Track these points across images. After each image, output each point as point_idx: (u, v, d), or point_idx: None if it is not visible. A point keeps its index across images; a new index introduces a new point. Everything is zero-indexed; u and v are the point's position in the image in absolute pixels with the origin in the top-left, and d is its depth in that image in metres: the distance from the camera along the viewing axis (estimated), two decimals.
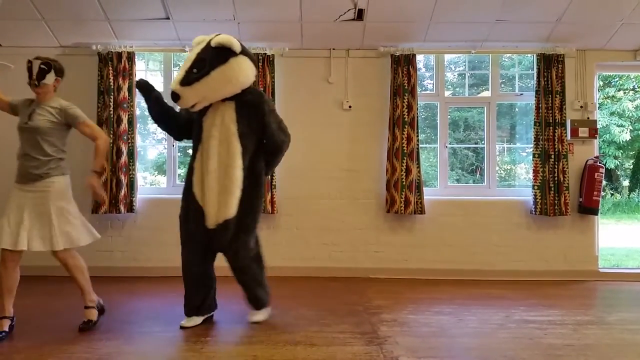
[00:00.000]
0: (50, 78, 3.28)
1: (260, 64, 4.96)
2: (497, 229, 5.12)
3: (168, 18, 4.84)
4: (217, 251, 3.44)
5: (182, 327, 3.38)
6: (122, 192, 4.92)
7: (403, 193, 4.94)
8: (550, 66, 5.02)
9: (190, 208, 3.36)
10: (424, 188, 5.05)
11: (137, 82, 3.56)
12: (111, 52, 4.98)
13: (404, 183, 4.95)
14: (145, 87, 3.50)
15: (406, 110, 4.99)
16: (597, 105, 5.31)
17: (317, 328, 3.38)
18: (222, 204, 3.26)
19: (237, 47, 3.25)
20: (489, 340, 3.20)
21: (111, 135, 4.89)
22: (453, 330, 3.42)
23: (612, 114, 12.81)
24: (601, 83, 12.28)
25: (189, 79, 3.19)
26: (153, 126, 5.86)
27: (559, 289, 4.68)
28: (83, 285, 3.34)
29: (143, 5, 4.70)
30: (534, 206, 5.03)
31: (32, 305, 3.87)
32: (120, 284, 4.65)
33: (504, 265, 5.08)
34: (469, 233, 5.12)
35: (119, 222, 5.09)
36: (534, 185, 5.03)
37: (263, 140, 3.41)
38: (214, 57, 3.21)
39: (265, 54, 4.98)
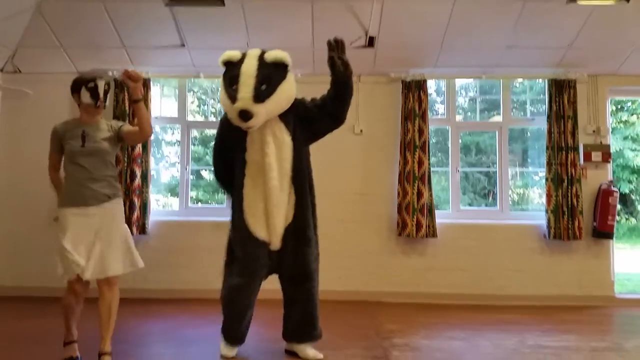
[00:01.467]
0: (107, 98, 3.21)
1: None
2: (511, 253, 5.07)
3: (183, 45, 4.95)
4: (280, 268, 3.29)
5: (224, 358, 3.23)
6: (135, 215, 4.98)
7: (415, 216, 4.93)
8: (562, 91, 5.03)
9: (245, 237, 3.23)
10: (435, 211, 5.04)
11: None
12: None
13: (416, 206, 4.94)
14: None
15: (417, 134, 5.01)
16: (610, 130, 5.29)
17: (328, 352, 3.35)
18: (291, 217, 3.28)
19: (290, 63, 3.22)
20: None
21: (125, 159, 4.98)
22: (466, 355, 3.37)
23: (625, 138, 12.73)
24: (614, 107, 12.23)
25: (261, 96, 3.06)
26: (167, 149, 5.95)
27: (573, 314, 4.61)
28: (112, 325, 3.13)
29: (159, 32, 4.83)
30: (547, 230, 4.99)
31: (49, 326, 3.89)
32: (132, 306, 4.65)
33: (518, 290, 5.02)
34: (482, 257, 5.08)
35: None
36: (547, 210, 5.00)
37: (311, 135, 3.40)
38: (275, 72, 3.14)
39: None
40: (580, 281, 5.02)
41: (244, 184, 3.24)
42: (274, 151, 3.22)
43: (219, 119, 3.55)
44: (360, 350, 3.40)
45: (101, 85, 3.10)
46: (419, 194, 4.96)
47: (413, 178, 4.97)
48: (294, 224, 3.26)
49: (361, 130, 5.22)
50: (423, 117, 5.04)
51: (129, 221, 4.92)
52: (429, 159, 5.02)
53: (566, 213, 4.93)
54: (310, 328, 3.26)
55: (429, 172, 5.02)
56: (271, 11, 4.61)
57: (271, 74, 3.12)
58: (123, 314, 4.10)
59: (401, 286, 5.06)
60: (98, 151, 3.06)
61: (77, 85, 3.10)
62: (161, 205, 5.74)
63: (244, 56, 3.21)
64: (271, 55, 3.16)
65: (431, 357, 3.32)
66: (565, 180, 4.97)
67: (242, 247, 3.26)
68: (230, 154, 3.37)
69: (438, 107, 6.05)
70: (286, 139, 3.24)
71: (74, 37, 4.91)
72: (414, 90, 5.06)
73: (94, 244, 2.97)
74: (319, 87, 5.20)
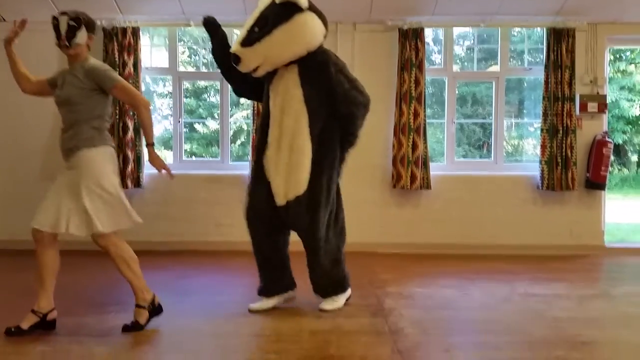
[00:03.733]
0: (81, 36, 2.79)
1: None
2: (504, 204, 5.11)
3: None
4: (291, 229, 3.21)
5: (250, 311, 3.17)
6: (129, 168, 4.95)
7: (409, 168, 4.93)
8: (560, 40, 4.94)
9: (259, 183, 3.14)
10: (430, 164, 5.04)
11: (204, 18, 3.26)
12: (116, 27, 4.95)
13: (411, 159, 4.93)
14: (212, 24, 3.24)
15: (414, 85, 4.94)
16: (607, 80, 5.23)
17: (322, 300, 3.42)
18: (293, 178, 3.01)
19: (304, 2, 2.91)
20: (493, 313, 3.23)
21: (117, 111, 4.89)
22: (458, 303, 3.45)
23: (622, 88, 12.63)
24: (612, 57, 12.07)
25: (250, 39, 2.89)
26: (159, 102, 5.86)
27: (564, 263, 4.69)
28: (130, 279, 2.91)
29: None
30: (540, 181, 5.02)
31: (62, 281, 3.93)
32: None
33: (510, 240, 5.10)
34: (475, 208, 5.12)
35: (127, 197, 5.11)
36: (541, 161, 5.01)
37: (334, 104, 3.04)
38: (277, 13, 2.88)
39: None
40: (571, 231, 5.10)
41: (269, 125, 3.08)
42: (279, 103, 3.03)
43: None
44: (354, 299, 3.46)
45: (63, 21, 2.75)
46: (414, 146, 4.94)
47: (408, 130, 4.93)
48: (297, 186, 3.03)
49: None
50: (420, 67, 4.95)
51: (122, 174, 4.90)
52: (424, 111, 4.97)
53: (560, 164, 4.95)
54: (327, 287, 3.23)
55: (425, 124, 4.98)
56: None
57: (270, 15, 2.89)
58: None
59: (395, 237, 5.12)
60: (65, 100, 2.82)
61: None
62: None
63: None
64: None
65: (423, 304, 3.40)
66: (561, 131, 4.95)
67: (252, 192, 3.21)
68: (261, 86, 3.19)
69: (435, 57, 5.94)
70: (295, 93, 3.00)
71: None
72: (411, 39, 4.95)
73: (62, 198, 2.76)
74: (375, 36, 5.08)
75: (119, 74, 4.87)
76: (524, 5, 4.91)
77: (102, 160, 2.81)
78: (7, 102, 5.11)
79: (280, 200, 3.04)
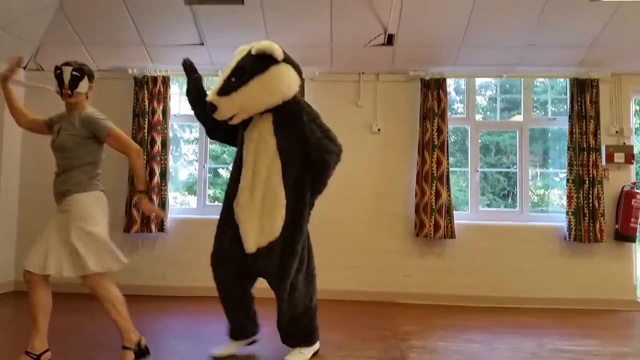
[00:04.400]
0: (83, 86, 2.99)
1: None
2: (530, 255, 5.00)
3: (202, 44, 4.97)
4: (259, 276, 3.18)
5: (214, 357, 3.18)
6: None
7: (432, 217, 4.89)
8: (584, 90, 4.94)
9: (227, 227, 3.12)
10: (454, 212, 4.99)
11: (183, 60, 3.35)
12: (147, 76, 5.14)
13: (434, 207, 4.90)
14: (190, 67, 3.34)
15: (436, 133, 4.96)
16: (634, 130, 5.18)
17: (345, 352, 3.34)
18: (266, 225, 3.00)
19: (279, 55, 3.00)
20: None
21: (145, 157, 5.01)
22: (484, 358, 3.33)
23: None
24: (638, 107, 11.97)
25: (226, 89, 2.96)
26: (185, 147, 5.97)
27: (594, 318, 4.52)
28: (117, 320, 2.96)
29: (178, 31, 4.86)
30: (568, 232, 4.91)
31: (69, 323, 3.94)
32: (149, 303, 4.70)
33: (537, 293, 4.95)
34: (501, 259, 5.01)
35: (150, 241, 5.17)
36: (568, 211, 4.91)
37: (307, 152, 3.07)
38: (253, 65, 2.97)
39: None
40: (601, 284, 4.93)
41: (241, 171, 3.10)
42: (253, 150, 3.07)
43: None
44: (377, 351, 3.37)
45: (67, 71, 2.95)
46: (437, 194, 4.91)
47: (431, 178, 4.92)
48: (271, 232, 3.02)
49: (379, 129, 5.18)
50: (442, 116, 4.99)
51: (147, 219, 4.97)
52: (447, 159, 4.97)
53: (587, 215, 4.85)
54: (283, 331, 3.22)
55: (448, 172, 4.97)
56: (290, 9, 4.60)
57: (246, 66, 2.97)
58: (139, 310, 4.15)
59: (418, 287, 5.02)
60: (60, 146, 2.95)
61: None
62: (179, 203, 5.77)
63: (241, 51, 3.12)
64: (256, 46, 2.99)
65: (449, 359, 3.28)
66: (587, 182, 4.88)
67: (219, 237, 3.19)
68: (234, 130, 3.25)
69: (457, 106, 5.98)
70: (269, 141, 3.04)
71: (95, 34, 4.96)
72: (433, 88, 5.01)
73: (53, 241, 2.84)
74: (336, 85, 5.22)
75: (148, 121, 5.07)
76: (546, 57, 4.96)
77: (91, 203, 2.92)
78: (36, 142, 5.27)
79: (251, 247, 3.02)
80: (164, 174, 5.09)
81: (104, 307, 2.93)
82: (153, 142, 5.07)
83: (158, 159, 5.08)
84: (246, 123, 3.13)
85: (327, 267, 5.07)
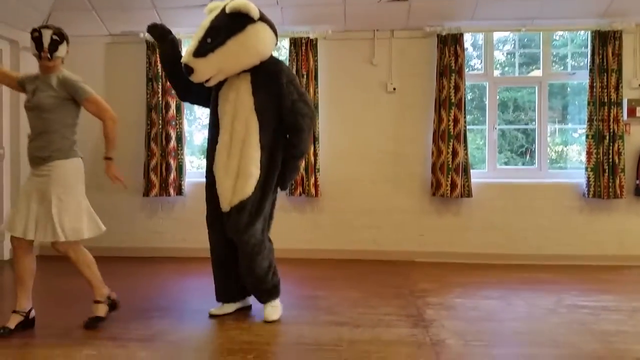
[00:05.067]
0: (62, 50, 2.97)
1: (303, 48, 4.95)
2: (548, 212, 4.97)
3: None
4: (229, 234, 3.11)
5: (211, 316, 3.24)
6: (172, 176, 5.06)
7: (449, 176, 4.86)
8: (606, 43, 4.78)
9: (212, 189, 3.13)
10: (471, 171, 4.95)
11: (148, 26, 3.24)
12: None
13: (450, 166, 4.86)
14: (160, 30, 3.23)
15: (453, 91, 4.88)
16: None
17: (362, 310, 3.40)
18: (239, 184, 3.00)
19: (255, 13, 2.94)
20: (538, 325, 3.14)
21: (160, 121, 5.03)
22: (501, 314, 3.37)
23: None
24: None
25: (202, 50, 2.89)
26: (199, 111, 5.96)
27: (613, 274, 4.52)
28: (90, 279, 3.08)
29: None
30: (586, 189, 4.85)
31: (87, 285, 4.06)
32: (171, 264, 4.81)
33: (555, 250, 4.94)
34: (519, 217, 4.99)
35: (169, 204, 5.24)
36: (587, 168, 4.84)
37: (282, 117, 3.06)
38: (229, 24, 2.90)
39: (308, 37, 4.96)
40: (620, 240, 4.90)
41: (219, 134, 3.08)
42: (230, 110, 3.02)
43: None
44: (394, 308, 3.43)
45: (46, 34, 2.90)
46: (454, 153, 4.86)
47: (448, 137, 4.86)
48: (243, 190, 3.02)
49: (394, 88, 5.11)
50: (459, 72, 4.88)
51: (165, 182, 5.03)
52: (464, 117, 4.90)
53: (607, 171, 4.77)
54: (260, 294, 3.25)
55: (465, 131, 4.90)
56: None
57: (222, 26, 2.90)
58: (161, 271, 4.26)
59: (435, 246, 5.05)
60: (36, 106, 2.92)
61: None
62: (195, 167, 5.81)
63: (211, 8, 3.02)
64: (230, 5, 2.91)
65: (465, 315, 3.33)
66: (607, 137, 4.78)
67: (208, 198, 3.21)
68: (206, 91, 3.18)
69: (474, 62, 5.84)
70: (247, 100, 3.00)
71: None
72: (450, 44, 4.89)
73: (31, 205, 2.87)
74: (349, 44, 5.12)
75: (162, 85, 5.05)
76: (566, 8, 4.79)
77: (73, 171, 2.97)
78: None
79: (225, 206, 3.05)
80: (179, 138, 5.10)
81: (78, 268, 3.05)
82: (167, 106, 5.07)
83: (173, 123, 5.09)
84: (221, 83, 3.08)
85: (343, 227, 5.14)
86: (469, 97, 5.21)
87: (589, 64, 4.88)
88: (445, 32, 4.90)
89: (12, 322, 2.95)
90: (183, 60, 2.95)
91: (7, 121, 5.10)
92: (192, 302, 3.66)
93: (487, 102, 5.20)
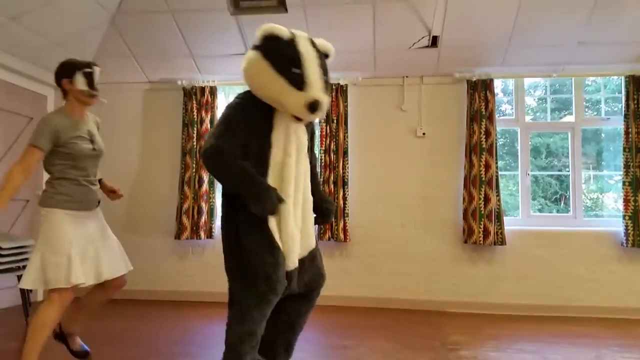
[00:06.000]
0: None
1: (333, 94, 5.05)
2: (585, 261, 4.81)
3: None
4: (294, 292, 2.63)
5: None
6: (203, 219, 5.13)
7: (482, 223, 4.78)
8: None
9: (266, 246, 2.46)
10: (504, 218, 4.86)
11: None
12: (195, 86, 5.26)
13: (483, 212, 4.79)
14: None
15: (484, 136, 4.86)
16: None
17: None
18: (306, 232, 2.62)
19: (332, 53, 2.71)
20: None
21: (194, 165, 5.14)
22: None
23: None
24: None
25: (327, 86, 2.56)
26: None
27: None
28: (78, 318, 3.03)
29: (224, 41, 4.95)
30: (625, 238, 4.69)
31: (118, 328, 4.09)
32: (198, 308, 4.81)
33: (593, 301, 4.75)
34: (554, 266, 4.84)
35: (199, 247, 5.28)
36: (624, 216, 4.70)
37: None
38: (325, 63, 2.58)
39: (339, 84, 5.06)
40: None
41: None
42: (295, 153, 2.59)
43: (235, 98, 2.68)
44: None
45: (97, 72, 2.81)
46: (486, 199, 4.80)
47: (480, 182, 4.81)
48: (311, 239, 2.67)
49: (424, 133, 5.12)
50: (490, 118, 4.87)
51: (197, 225, 5.09)
52: (496, 162, 4.85)
53: None
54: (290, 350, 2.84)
55: (497, 176, 4.85)
56: (333, 15, 4.61)
57: (326, 65, 2.59)
58: (189, 316, 4.25)
59: (468, 296, 4.92)
60: (100, 152, 2.90)
61: (70, 69, 2.76)
62: None
63: (292, 35, 2.56)
64: (322, 43, 2.62)
65: None
66: None
67: (269, 264, 2.46)
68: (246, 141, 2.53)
69: (505, 108, 5.83)
70: (304, 141, 2.65)
71: (146, 47, 5.12)
72: (480, 90, 4.90)
73: (88, 249, 2.76)
74: (379, 90, 5.19)
75: (197, 130, 5.20)
76: (598, 54, 4.77)
77: None
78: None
79: (293, 261, 2.54)
80: (212, 182, 5.19)
81: (102, 301, 3.00)
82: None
83: None
84: (268, 121, 2.58)
85: (374, 273, 5.07)
86: (500, 143, 5.16)
87: (623, 109, 4.81)
88: (476, 78, 4.93)
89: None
90: (318, 96, 2.43)
91: None
92: (219, 348, 3.62)
93: (519, 148, 5.15)
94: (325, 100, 2.46)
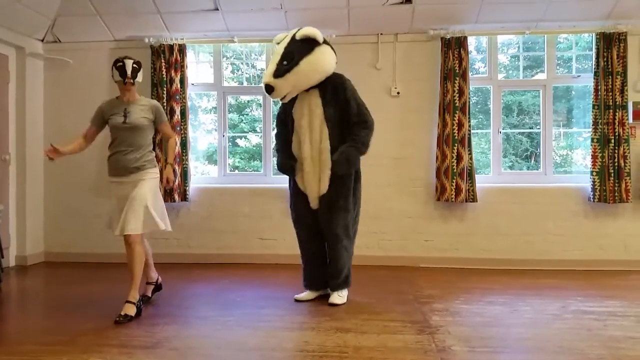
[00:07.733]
0: (140, 76, 3.56)
1: None
2: (553, 217, 4.95)
3: (217, 9, 4.91)
4: (323, 228, 3.64)
5: (296, 300, 3.74)
6: (177, 182, 5.07)
7: (454, 181, 4.85)
8: (610, 45, 4.77)
9: (296, 194, 3.71)
10: (476, 175, 4.94)
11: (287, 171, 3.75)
12: (163, 44, 5.10)
13: (455, 170, 4.85)
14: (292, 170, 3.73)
15: (457, 94, 4.87)
16: None
17: (367, 316, 3.39)
18: (322, 186, 3.56)
19: (321, 38, 3.52)
20: (544, 331, 3.12)
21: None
22: (507, 320, 3.35)
23: None
24: None
25: (280, 71, 3.44)
26: (204, 117, 5.98)
27: (619, 279, 4.49)
28: (137, 275, 3.42)
29: None
30: (592, 193, 4.83)
31: (97, 291, 4.07)
32: (176, 270, 4.81)
33: (560, 255, 4.92)
34: (524, 221, 4.98)
35: (174, 210, 5.24)
36: (592, 171, 4.83)
37: (348, 119, 3.57)
38: (300, 48, 3.47)
39: None
40: (626, 245, 4.88)
41: (299, 144, 3.63)
42: (307, 123, 3.58)
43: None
44: (399, 314, 3.42)
45: (128, 63, 3.47)
46: (459, 158, 4.86)
47: (452, 141, 4.86)
48: (328, 194, 3.57)
49: (398, 92, 5.10)
50: (463, 76, 4.88)
51: (170, 188, 5.03)
52: (469, 121, 4.89)
53: (612, 175, 4.76)
54: (336, 279, 3.72)
55: (469, 135, 4.89)
56: None
57: (294, 50, 3.46)
58: (166, 278, 4.26)
59: (440, 251, 5.04)
60: (135, 127, 3.47)
61: (112, 65, 3.53)
62: (200, 173, 5.82)
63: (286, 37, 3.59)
64: (300, 32, 3.49)
65: (471, 321, 3.31)
66: (612, 141, 4.76)
67: (293, 202, 3.77)
68: (287, 127, 3.74)
69: (478, 66, 5.83)
70: (317, 112, 3.55)
71: (111, 4, 4.93)
72: (454, 48, 4.88)
73: (124, 207, 3.40)
74: (353, 48, 5.12)
75: (167, 90, 5.07)
76: (570, 11, 4.78)
77: (157, 176, 3.62)
78: (62, 121, 5.34)
79: (314, 204, 3.65)
80: (184, 144, 5.11)
81: (133, 261, 3.39)
82: (172, 111, 5.08)
83: (178, 128, 5.10)
84: (292, 103, 3.65)
85: None
86: (473, 101, 5.18)
87: (593, 67, 4.86)
88: (449, 36, 4.90)
89: (149, 291, 3.77)
90: (264, 81, 3.48)
91: (12, 128, 5.13)
92: (197, 309, 3.65)
93: (491, 106, 5.19)
94: (271, 82, 3.44)
